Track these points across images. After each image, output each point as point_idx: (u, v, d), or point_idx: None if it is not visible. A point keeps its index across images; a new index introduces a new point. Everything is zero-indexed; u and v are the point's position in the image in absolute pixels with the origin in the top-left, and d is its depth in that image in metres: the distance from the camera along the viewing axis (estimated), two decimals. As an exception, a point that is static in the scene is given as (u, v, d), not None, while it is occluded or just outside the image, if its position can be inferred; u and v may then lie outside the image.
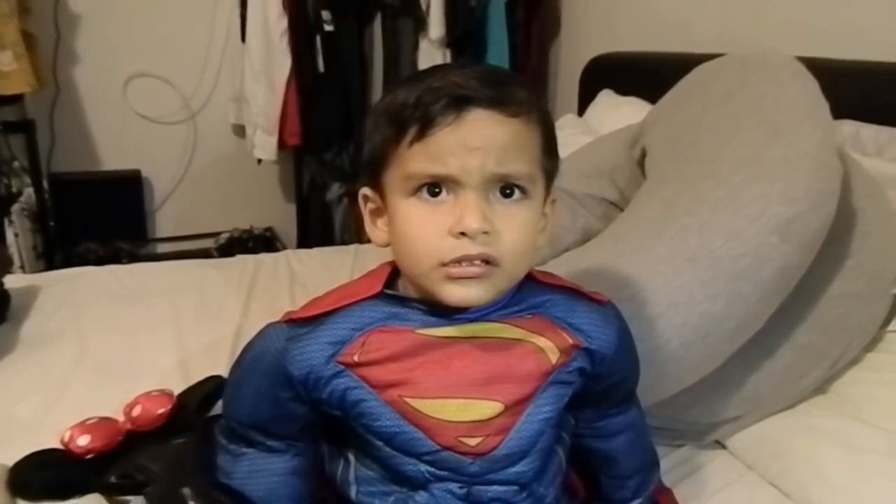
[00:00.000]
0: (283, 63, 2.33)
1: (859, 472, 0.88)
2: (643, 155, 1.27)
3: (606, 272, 0.98)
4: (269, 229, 2.98)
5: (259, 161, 2.56)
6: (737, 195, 0.93)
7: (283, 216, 2.98)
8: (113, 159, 2.73)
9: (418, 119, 0.61)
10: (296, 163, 2.72)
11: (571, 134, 1.79)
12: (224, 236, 2.87)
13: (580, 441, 0.81)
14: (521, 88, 0.64)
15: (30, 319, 1.42)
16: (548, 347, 0.69)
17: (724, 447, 1.04)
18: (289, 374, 0.67)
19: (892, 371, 0.98)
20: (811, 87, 1.04)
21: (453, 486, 0.68)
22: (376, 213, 0.69)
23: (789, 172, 0.92)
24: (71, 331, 1.37)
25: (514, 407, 0.68)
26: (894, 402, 0.94)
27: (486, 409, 0.67)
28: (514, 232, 0.63)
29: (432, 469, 0.68)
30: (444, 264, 0.62)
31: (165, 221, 2.90)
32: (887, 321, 1.02)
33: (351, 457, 0.73)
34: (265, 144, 2.42)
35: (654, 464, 0.85)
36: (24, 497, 0.89)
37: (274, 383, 0.69)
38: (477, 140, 0.60)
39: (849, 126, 1.29)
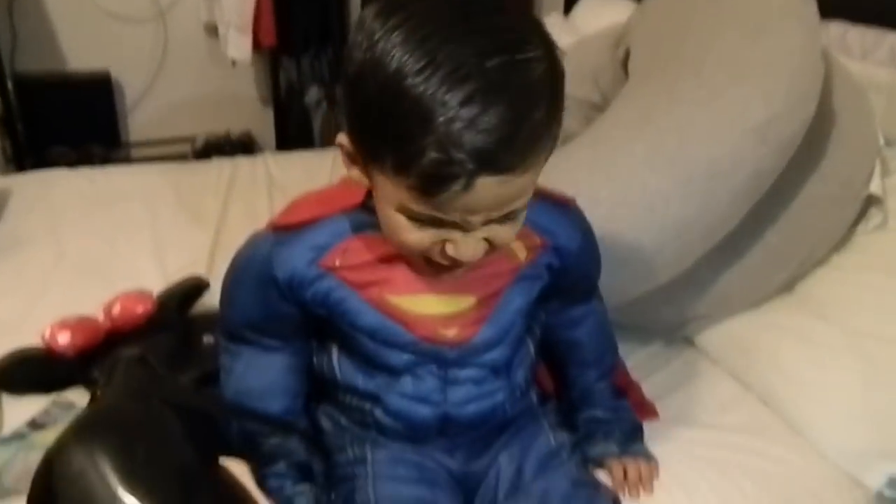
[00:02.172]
0: (255, -44, 2.21)
1: (816, 365, 0.93)
2: (627, 55, 1.24)
3: (584, 174, 0.98)
4: (246, 134, 2.91)
5: (234, 63, 2.47)
6: (717, 96, 0.92)
7: (260, 120, 2.90)
8: (79, 58, 2.62)
9: (426, 182, 0.55)
10: (272, 65, 2.63)
11: (556, 35, 1.74)
12: (200, 141, 2.80)
13: (548, 333, 0.84)
14: (542, 131, 0.56)
15: (3, 223, 1.40)
16: (516, 246, 0.72)
17: (692, 344, 1.08)
18: (274, 277, 0.70)
19: (856, 271, 1.01)
20: (799, -16, 1.01)
21: (433, 367, 0.73)
22: (355, 162, 0.63)
23: (771, 73, 0.91)
24: (46, 234, 1.36)
25: (487, 300, 0.72)
26: (856, 300, 0.97)
27: (461, 302, 0.71)
28: (508, 234, 0.62)
29: (414, 357, 0.72)
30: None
31: (139, 125, 2.82)
32: (855, 223, 1.04)
33: (335, 348, 0.76)
34: (239, 44, 2.33)
35: (614, 349, 0.90)
36: (9, 391, 0.91)
37: (262, 286, 0.71)
38: (482, 203, 0.56)
39: (836, 28, 1.27)
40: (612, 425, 0.85)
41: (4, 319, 1.08)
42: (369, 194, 0.69)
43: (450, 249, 0.60)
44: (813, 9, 0.98)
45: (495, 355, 0.75)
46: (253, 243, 0.73)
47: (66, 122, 2.57)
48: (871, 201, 1.03)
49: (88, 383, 0.91)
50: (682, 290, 1.02)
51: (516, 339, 0.77)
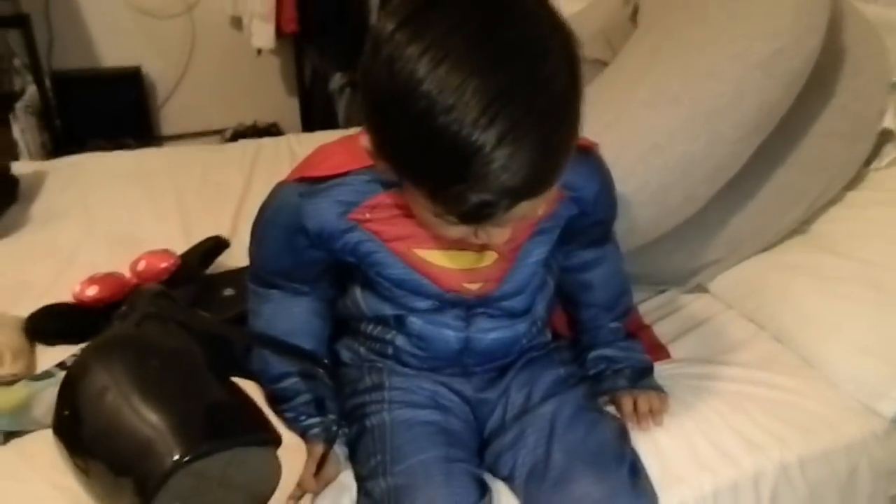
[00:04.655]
0: (277, -54, 2.26)
1: (828, 298, 0.92)
2: (635, 10, 1.25)
3: (590, 119, 0.98)
4: (273, 125, 2.97)
5: (259, 52, 2.53)
6: (720, 34, 0.92)
7: (287, 110, 2.96)
8: (112, 55, 2.71)
9: (466, 217, 0.57)
10: (296, 53, 2.68)
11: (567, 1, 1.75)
12: (229, 132, 2.88)
13: (563, 275, 0.85)
14: (568, 146, 0.56)
15: (38, 200, 1.46)
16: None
17: (706, 290, 1.08)
18: (304, 227, 0.72)
19: (870, 207, 0.99)
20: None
21: (456, 309, 0.76)
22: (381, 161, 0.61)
23: (774, 7, 0.91)
24: (78, 208, 1.41)
25: (508, 254, 0.74)
26: (870, 234, 0.96)
27: (484, 257, 0.73)
28: (536, 212, 0.63)
29: (438, 303, 0.75)
30: None
31: (170, 119, 2.90)
32: (868, 161, 1.02)
33: (358, 288, 0.78)
34: (262, 32, 2.39)
35: (628, 294, 0.91)
36: (41, 341, 0.95)
37: (292, 235, 0.73)
38: (518, 215, 0.58)
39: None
40: (622, 363, 0.86)
41: (39, 281, 1.13)
42: None
43: (483, 238, 0.61)
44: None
45: (516, 303, 0.77)
46: (280, 194, 0.74)
47: (101, 116, 2.66)
48: (885, 137, 1.01)
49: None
50: (693, 235, 1.02)
51: (537, 286, 0.79)
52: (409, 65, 0.51)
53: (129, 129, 2.74)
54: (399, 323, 0.77)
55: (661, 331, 0.99)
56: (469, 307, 0.76)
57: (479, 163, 0.51)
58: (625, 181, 0.92)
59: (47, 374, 0.82)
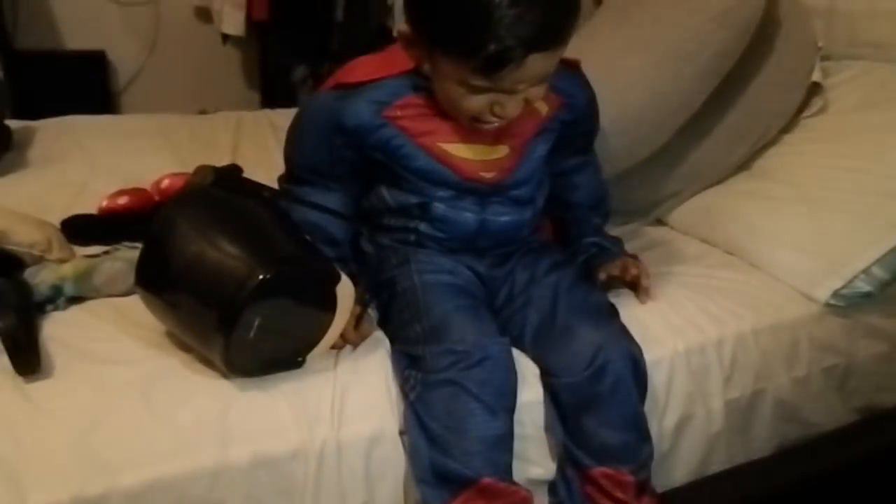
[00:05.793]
0: (251, -65, 2.36)
1: (769, 214, 1.10)
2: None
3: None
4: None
5: (225, 40, 2.61)
6: (683, -8, 1.10)
7: (247, 101, 3.03)
8: (77, 39, 2.73)
9: (487, 66, 0.73)
10: (261, 43, 2.77)
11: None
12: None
13: (554, 180, 0.99)
14: (574, 11, 0.76)
15: (34, 148, 1.50)
16: (539, 105, 0.88)
17: (664, 224, 1.25)
18: (342, 124, 0.84)
19: (801, 143, 1.19)
20: None
21: (473, 197, 0.89)
22: (413, 46, 0.80)
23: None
24: (76, 153, 1.46)
25: (517, 149, 0.89)
26: (802, 165, 1.15)
27: (497, 150, 0.88)
28: (541, 92, 0.80)
29: (457, 192, 0.88)
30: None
31: (130, 106, 2.93)
32: (800, 110, 1.22)
33: (384, 187, 0.90)
34: (233, 19, 2.47)
35: (607, 195, 1.05)
36: (76, 242, 1.02)
37: (329, 133, 0.85)
38: (530, 73, 0.75)
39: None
40: (608, 247, 1.00)
41: (57, 206, 1.17)
42: None
43: (497, 110, 0.78)
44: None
45: (522, 192, 0.91)
46: (319, 99, 0.87)
47: (62, 99, 2.65)
48: (814, 90, 1.22)
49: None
50: (656, 168, 1.19)
51: (539, 179, 0.94)
52: None
53: (91, 111, 2.75)
54: (423, 210, 0.88)
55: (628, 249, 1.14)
56: (484, 195, 0.89)
57: (498, 16, 0.69)
58: (603, 113, 1.08)
59: (104, 253, 0.90)
